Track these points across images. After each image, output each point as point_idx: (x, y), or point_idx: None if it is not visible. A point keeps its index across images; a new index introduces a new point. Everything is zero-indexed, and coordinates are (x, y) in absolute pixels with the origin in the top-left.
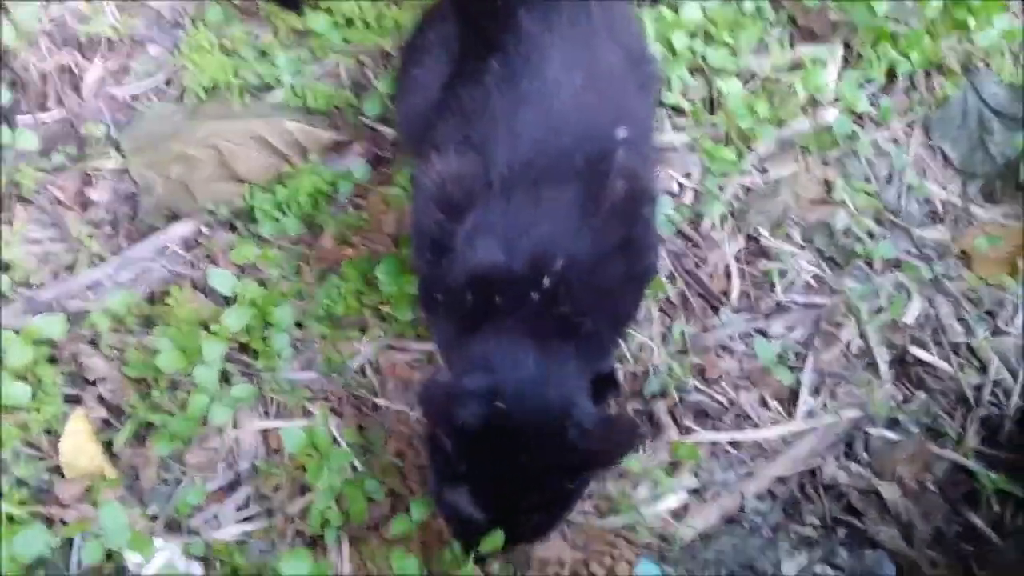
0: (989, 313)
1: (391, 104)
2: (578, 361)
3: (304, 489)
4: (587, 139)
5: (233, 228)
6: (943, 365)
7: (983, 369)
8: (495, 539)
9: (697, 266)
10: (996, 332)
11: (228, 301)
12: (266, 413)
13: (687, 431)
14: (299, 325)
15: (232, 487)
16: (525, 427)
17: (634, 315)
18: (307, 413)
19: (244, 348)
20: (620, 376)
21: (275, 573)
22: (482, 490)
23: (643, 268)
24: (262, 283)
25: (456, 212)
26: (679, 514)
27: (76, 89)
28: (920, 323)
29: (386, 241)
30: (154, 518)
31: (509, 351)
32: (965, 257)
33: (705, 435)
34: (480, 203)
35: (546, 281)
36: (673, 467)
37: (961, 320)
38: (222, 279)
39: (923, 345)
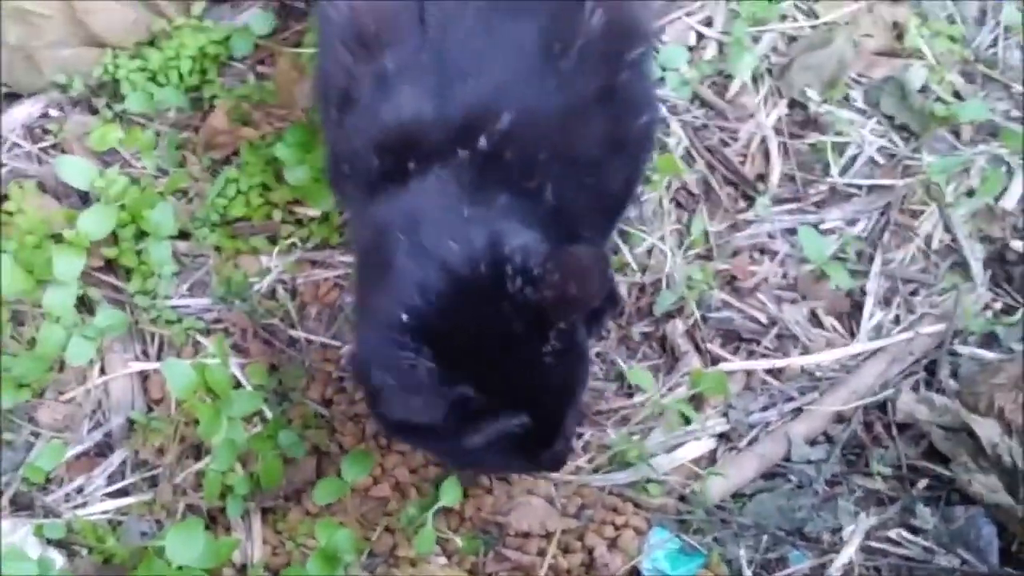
0: None
1: None
2: (525, 219)
3: (198, 450)
4: None
5: (92, 108)
6: None
7: None
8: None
9: (724, 143)
10: None
11: (87, 202)
12: (144, 353)
13: (713, 358)
14: (184, 234)
15: (101, 451)
16: (468, 294)
17: (628, 197)
18: (199, 349)
19: (111, 266)
20: (622, 290)
21: (159, 555)
22: (497, 397)
23: (633, 131)
24: (134, 180)
25: (369, 50)
26: (704, 466)
27: None
28: None
29: (300, 118)
30: None
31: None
32: None
33: (736, 363)
34: (405, 39)
35: (483, 141)
36: (694, 405)
37: None
38: (75, 169)
39: None
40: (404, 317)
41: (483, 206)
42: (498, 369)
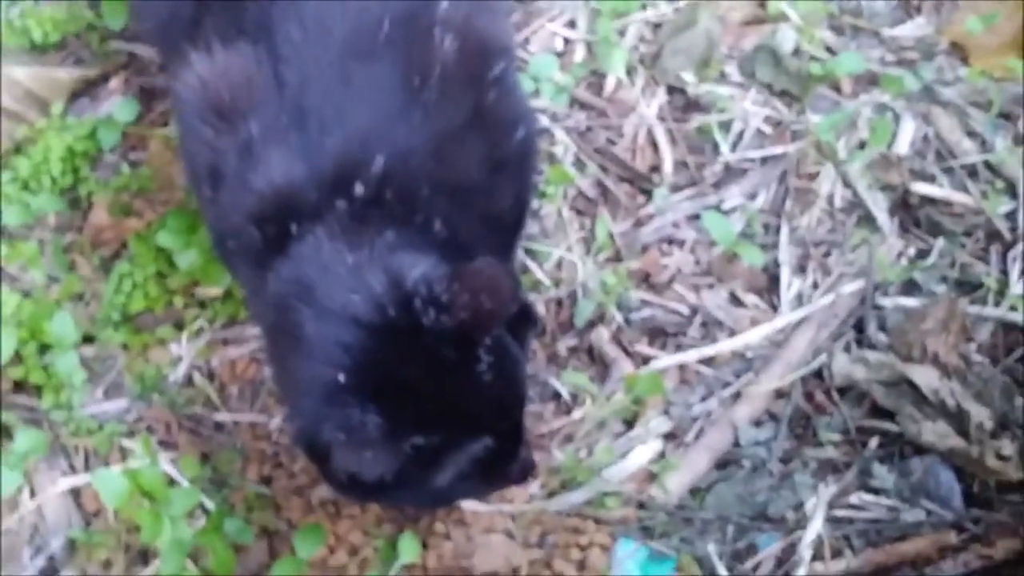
0: (1005, 116)
1: None
2: (418, 250)
3: (146, 555)
4: None
5: None
6: (959, 197)
7: (1012, 190)
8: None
9: (611, 142)
10: (1019, 138)
11: None
12: (71, 467)
13: (642, 359)
14: (88, 338)
15: (47, 574)
16: (389, 339)
17: (522, 214)
18: (126, 453)
19: (20, 387)
20: (539, 307)
21: None
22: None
23: (512, 147)
24: (26, 294)
25: (229, 121)
26: (655, 469)
27: None
28: (918, 150)
29: (181, 199)
30: None
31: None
32: (958, 50)
33: (667, 359)
34: (264, 104)
35: (359, 189)
36: (634, 410)
37: (971, 134)
38: None
39: (927, 177)
40: (341, 378)
41: (372, 249)
42: (445, 402)
